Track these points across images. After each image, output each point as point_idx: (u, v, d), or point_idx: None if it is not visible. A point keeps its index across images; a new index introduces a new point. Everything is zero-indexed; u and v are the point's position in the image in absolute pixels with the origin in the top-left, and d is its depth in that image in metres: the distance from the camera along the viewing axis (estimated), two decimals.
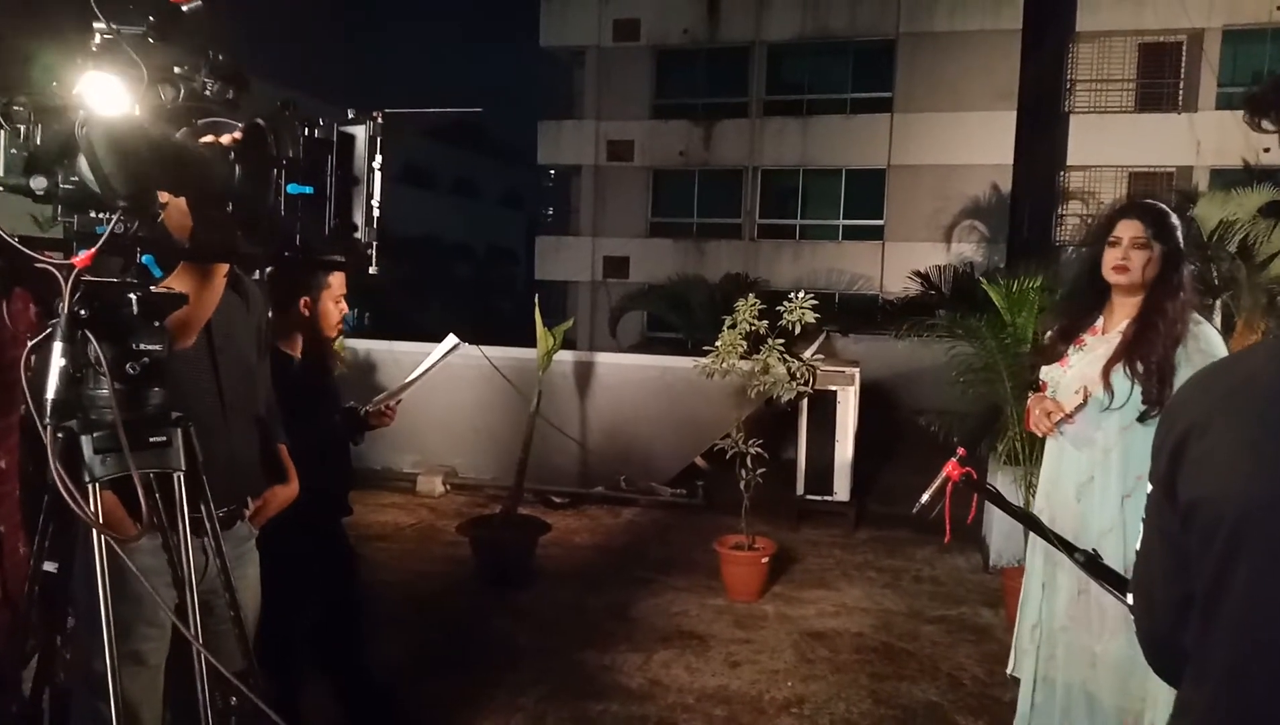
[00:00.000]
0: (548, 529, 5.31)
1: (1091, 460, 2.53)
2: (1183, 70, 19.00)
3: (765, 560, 4.82)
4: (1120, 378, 2.45)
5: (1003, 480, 4.59)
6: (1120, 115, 19.14)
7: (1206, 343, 2.45)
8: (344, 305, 2.83)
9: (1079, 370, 2.56)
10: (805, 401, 6.01)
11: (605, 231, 22.30)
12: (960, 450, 2.25)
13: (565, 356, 6.39)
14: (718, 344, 4.79)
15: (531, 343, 5.53)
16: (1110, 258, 2.51)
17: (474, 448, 7.00)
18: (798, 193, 21.03)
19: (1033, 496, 3.08)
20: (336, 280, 2.77)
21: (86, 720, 1.93)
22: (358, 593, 2.97)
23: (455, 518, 5.96)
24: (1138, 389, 2.43)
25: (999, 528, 5.20)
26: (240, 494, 2.10)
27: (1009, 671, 2.85)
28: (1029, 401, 2.71)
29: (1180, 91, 19.08)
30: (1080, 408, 2.53)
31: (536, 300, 5.81)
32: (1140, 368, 2.42)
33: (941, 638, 4.34)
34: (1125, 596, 2.24)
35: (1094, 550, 2.27)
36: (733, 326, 4.75)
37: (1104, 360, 2.50)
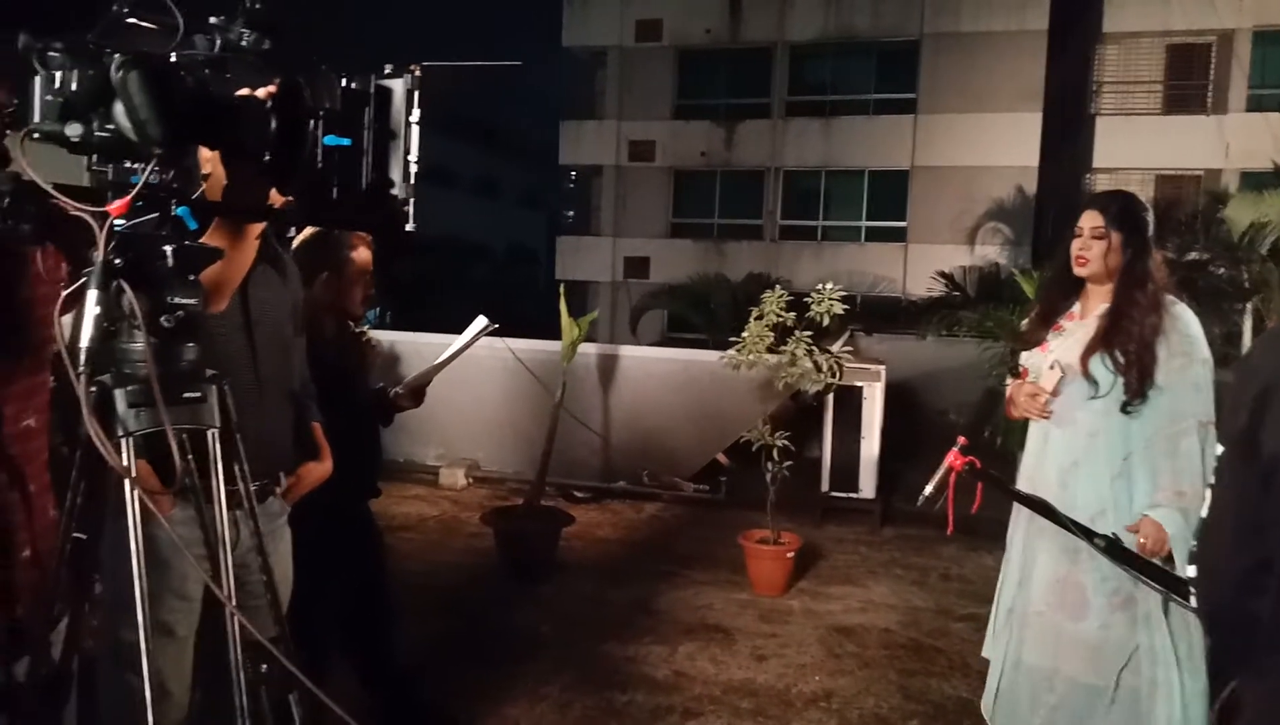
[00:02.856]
0: (571, 521, 5.28)
1: (1076, 444, 2.51)
2: (1212, 72, 18.78)
3: (790, 555, 4.76)
4: (1100, 368, 2.45)
5: None
6: (1148, 117, 18.94)
7: (1185, 326, 2.45)
8: (370, 282, 2.78)
9: (1058, 355, 2.57)
10: (831, 398, 5.95)
11: (626, 232, 22.30)
12: (961, 439, 2.21)
13: (588, 349, 6.36)
14: (744, 335, 4.74)
15: (554, 339, 5.50)
16: (1072, 249, 2.56)
17: (496, 441, 6.98)
18: (820, 194, 20.93)
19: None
20: (361, 255, 2.73)
21: (113, 689, 1.91)
22: (384, 573, 2.94)
23: (478, 510, 5.94)
24: (1120, 379, 2.43)
25: None
26: (273, 469, 2.07)
27: (983, 653, 2.82)
28: (1009, 388, 2.70)
29: (1209, 93, 18.85)
30: (1060, 381, 2.52)
31: (562, 290, 5.78)
32: (1121, 359, 2.42)
33: (971, 635, 4.25)
34: (1146, 578, 2.19)
35: (1114, 534, 2.22)
36: (759, 318, 4.69)
37: (1081, 344, 2.50)
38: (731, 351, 4.84)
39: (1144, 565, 2.10)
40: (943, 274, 14.51)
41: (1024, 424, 2.70)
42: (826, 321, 4.62)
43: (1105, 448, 2.45)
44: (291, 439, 2.15)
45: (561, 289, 5.88)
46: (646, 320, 17.01)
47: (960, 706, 3.54)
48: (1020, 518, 2.65)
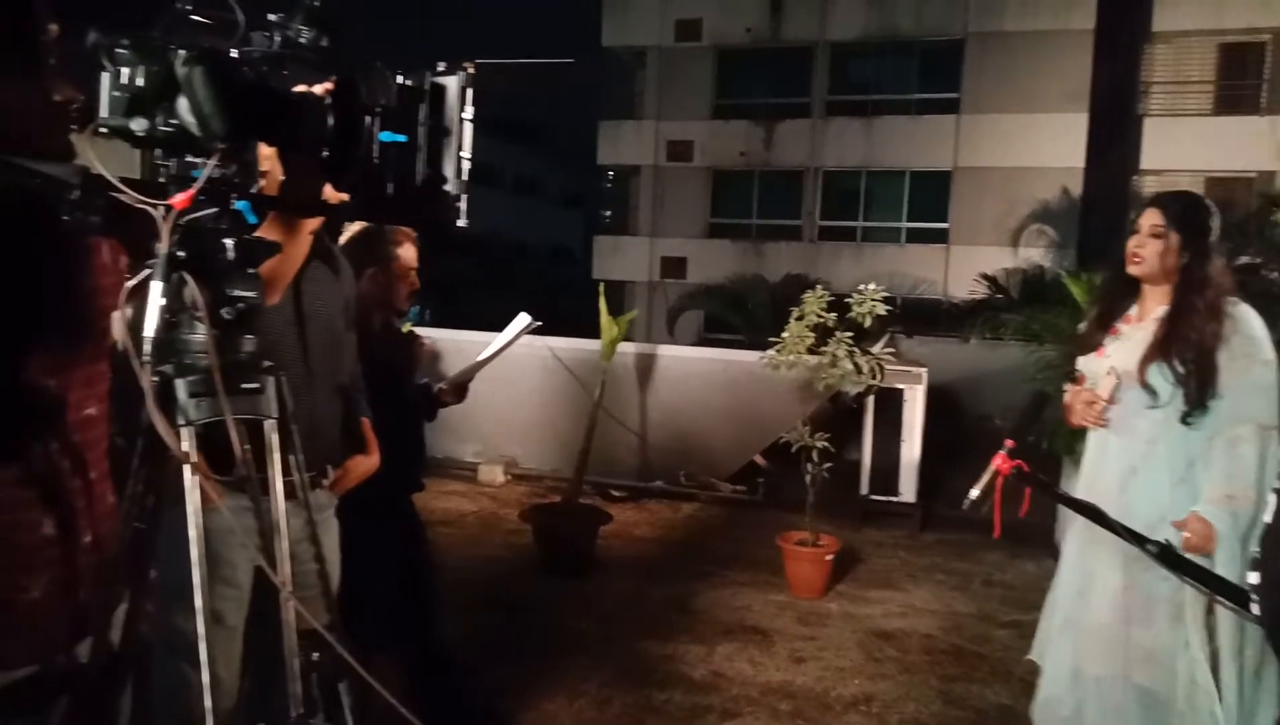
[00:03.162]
0: (609, 519, 5.29)
1: (1135, 451, 2.45)
2: (1266, 71, 18.31)
3: (829, 557, 4.73)
4: (1158, 378, 2.38)
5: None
6: (1198, 118, 18.51)
7: (1247, 327, 2.37)
8: (415, 278, 2.80)
9: (1114, 361, 2.51)
10: (871, 400, 5.90)
11: (663, 232, 22.30)
12: (1009, 442, 2.17)
13: (627, 348, 6.36)
14: (784, 336, 4.72)
15: (591, 337, 5.51)
16: (1128, 246, 2.49)
17: (534, 438, 7.02)
18: (860, 194, 20.76)
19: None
20: (407, 252, 2.74)
21: (165, 676, 1.95)
22: (428, 566, 2.97)
23: (516, 506, 5.98)
24: (1179, 390, 2.36)
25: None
26: (320, 461, 2.10)
27: (1030, 655, 2.75)
28: (1067, 396, 2.64)
29: (1264, 93, 18.37)
30: (1117, 388, 2.45)
31: (601, 289, 5.79)
32: (1180, 368, 2.36)
33: (1014, 642, 4.18)
34: (1203, 586, 2.14)
35: (1166, 541, 2.17)
36: (800, 318, 4.67)
37: (1139, 348, 2.44)
38: (771, 352, 4.82)
39: (1199, 572, 2.05)
40: (986, 276, 14.28)
41: (1071, 428, 2.65)
42: (868, 322, 4.58)
43: (1165, 455, 2.39)
44: (340, 432, 2.18)
45: (601, 288, 5.89)
46: (683, 320, 16.97)
47: (1003, 713, 3.49)
48: (1075, 525, 2.58)
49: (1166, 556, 1.80)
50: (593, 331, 5.68)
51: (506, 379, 5.84)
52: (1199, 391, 2.33)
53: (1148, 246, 2.44)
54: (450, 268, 21.15)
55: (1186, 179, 17.80)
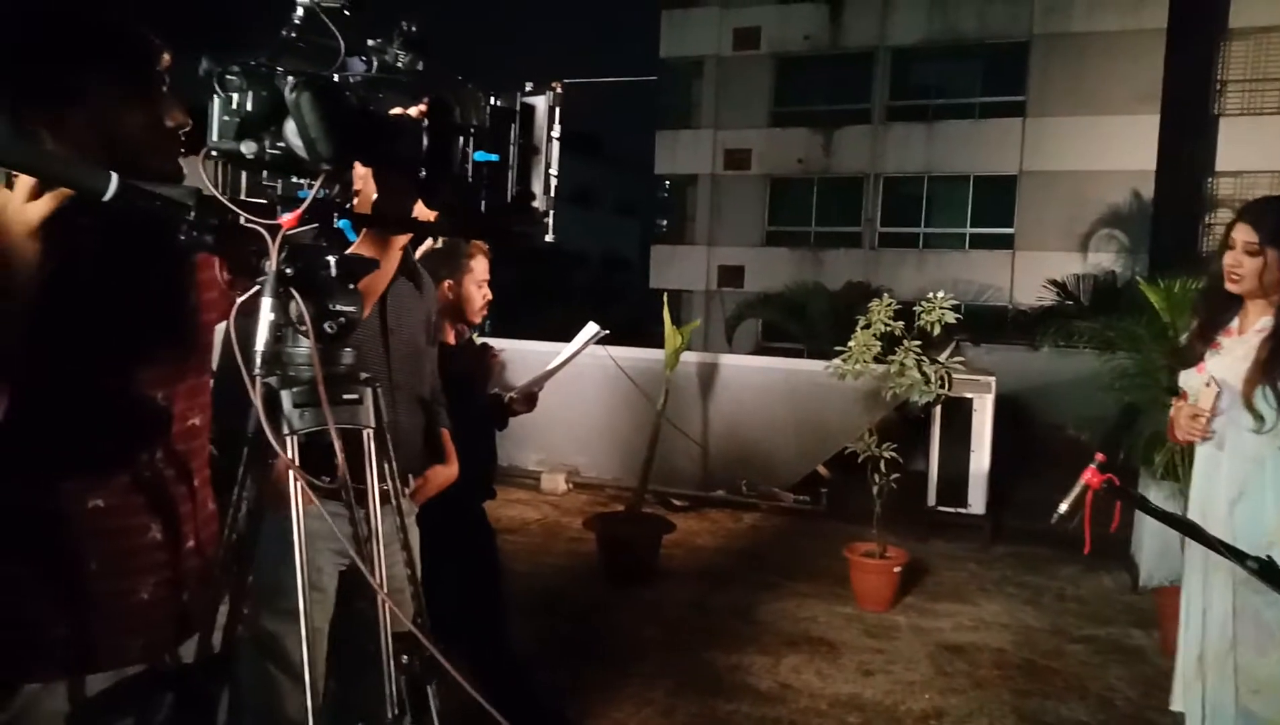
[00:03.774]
0: (672, 528, 5.30)
1: (1244, 471, 2.37)
2: None
3: (898, 569, 4.67)
4: (1263, 402, 2.31)
5: (1157, 494, 4.30)
6: (1278, 116, 17.85)
7: None
8: (488, 291, 2.86)
9: (1215, 372, 2.44)
10: (939, 409, 5.81)
11: (721, 240, 22.26)
12: (1099, 456, 2.12)
13: (689, 358, 6.37)
14: (850, 344, 4.68)
15: (647, 347, 5.53)
16: (1224, 263, 2.42)
17: (596, 447, 7.06)
18: (922, 200, 20.46)
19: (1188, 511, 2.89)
20: (480, 264, 2.80)
21: (252, 676, 2.02)
22: (499, 571, 3.02)
23: (578, 515, 6.02)
24: None
25: (1150, 545, 4.88)
26: (403, 470, 2.15)
27: (1172, 706, 2.64)
28: (1171, 411, 2.57)
29: None
30: (1218, 398, 2.38)
31: (665, 298, 5.83)
32: None
33: (1089, 657, 4.10)
34: None
35: (1269, 557, 2.09)
36: (867, 327, 4.63)
37: (1241, 362, 2.37)
38: (837, 361, 4.78)
39: None
40: (1055, 282, 13.97)
41: (1178, 444, 2.56)
42: (937, 331, 4.52)
43: (1274, 475, 2.31)
44: (421, 442, 2.23)
45: (665, 298, 5.92)
46: (741, 329, 16.91)
47: None
48: (1194, 552, 2.50)
49: (1269, 573, 1.74)
50: (649, 340, 5.71)
51: (569, 388, 5.89)
52: None
53: (1245, 265, 2.37)
54: (510, 278, 21.42)
55: (1266, 179, 17.20)
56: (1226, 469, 2.41)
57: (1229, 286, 2.42)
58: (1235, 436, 2.39)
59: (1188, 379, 2.53)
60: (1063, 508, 1.94)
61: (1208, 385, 2.41)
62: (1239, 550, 1.88)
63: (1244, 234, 2.39)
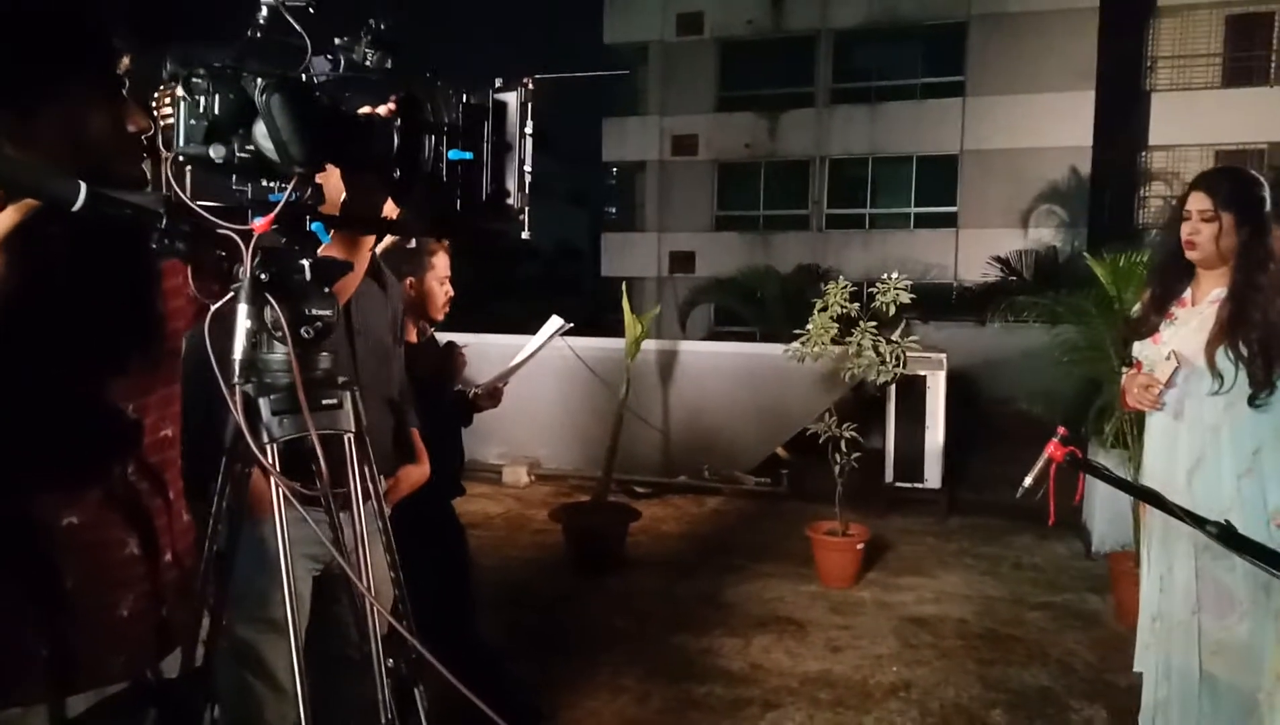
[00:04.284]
0: (638, 516, 5.33)
1: (1201, 439, 2.43)
2: (1275, 41, 18.18)
3: (860, 546, 4.75)
4: (1224, 361, 2.35)
5: (1106, 461, 4.41)
6: (1206, 91, 18.41)
7: None
8: (449, 287, 2.84)
9: (1173, 345, 2.49)
10: (893, 387, 5.91)
11: (671, 227, 22.30)
12: (1061, 429, 2.17)
13: (648, 345, 6.38)
14: (808, 328, 4.74)
15: (601, 336, 5.53)
16: (1182, 233, 2.46)
17: (557, 439, 7.06)
18: (867, 181, 20.72)
19: (1139, 480, 2.97)
20: (441, 261, 2.78)
21: (227, 684, 1.99)
22: (470, 567, 3.01)
23: (542, 507, 6.02)
24: (1243, 371, 2.33)
25: (1101, 512, 5.04)
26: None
27: (1135, 667, 2.73)
28: (1123, 380, 2.64)
29: (1272, 64, 18.26)
30: (1176, 371, 2.44)
31: (625, 288, 5.82)
32: (1244, 350, 2.32)
33: (1048, 624, 4.22)
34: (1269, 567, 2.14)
35: (1226, 521, 2.17)
36: (824, 310, 4.69)
37: (1197, 333, 2.42)
38: (795, 344, 4.84)
39: (1262, 552, 2.06)
40: (998, 259, 14.28)
41: (1127, 411, 2.60)
42: (892, 312, 4.60)
43: (1230, 443, 2.37)
44: (391, 444, 2.22)
45: (625, 287, 5.93)
46: (693, 314, 16.99)
47: (1041, 695, 3.52)
48: (1154, 519, 2.57)
49: (1226, 537, 1.81)
50: (604, 329, 5.71)
51: (529, 380, 5.85)
52: (1265, 370, 2.29)
53: (1203, 231, 2.41)
54: (464, 273, 21.17)
55: (1196, 152, 17.73)
56: (1185, 439, 2.46)
57: (1188, 255, 2.45)
58: (1194, 407, 2.44)
59: (1142, 349, 2.58)
60: (1027, 481, 1.99)
61: (1168, 358, 2.46)
62: (1199, 516, 1.95)
63: (1199, 202, 2.43)
